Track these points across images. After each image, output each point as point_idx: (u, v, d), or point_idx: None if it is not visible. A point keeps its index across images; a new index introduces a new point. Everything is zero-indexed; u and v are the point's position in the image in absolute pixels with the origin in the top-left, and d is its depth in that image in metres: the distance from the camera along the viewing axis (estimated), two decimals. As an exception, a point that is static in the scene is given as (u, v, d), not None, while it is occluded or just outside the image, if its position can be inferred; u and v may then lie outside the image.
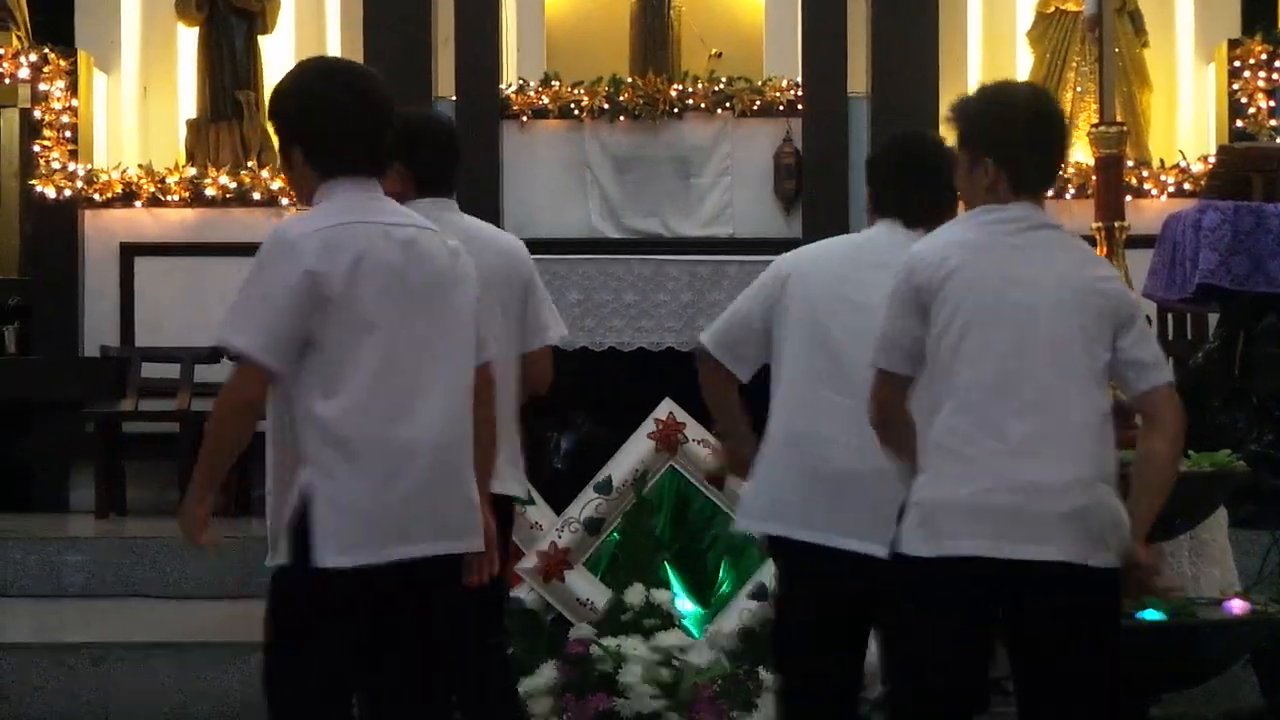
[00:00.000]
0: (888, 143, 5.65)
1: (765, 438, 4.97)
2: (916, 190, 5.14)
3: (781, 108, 10.79)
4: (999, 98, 4.73)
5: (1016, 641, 4.52)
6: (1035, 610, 4.44)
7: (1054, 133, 4.64)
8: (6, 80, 11.23)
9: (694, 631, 6.12)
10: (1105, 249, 6.65)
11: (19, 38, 11.37)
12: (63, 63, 11.28)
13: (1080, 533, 4.34)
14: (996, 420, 4.36)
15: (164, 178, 11.28)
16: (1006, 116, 4.58)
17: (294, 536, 4.45)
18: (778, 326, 5.05)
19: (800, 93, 10.83)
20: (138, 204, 11.24)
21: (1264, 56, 11.10)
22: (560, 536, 6.24)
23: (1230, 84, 11.15)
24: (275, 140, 4.78)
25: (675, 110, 11.00)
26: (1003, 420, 4.36)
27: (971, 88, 12.03)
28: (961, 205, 4.79)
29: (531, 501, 6.29)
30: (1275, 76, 11.11)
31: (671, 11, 11.46)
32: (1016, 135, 4.50)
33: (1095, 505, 4.38)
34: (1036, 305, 4.42)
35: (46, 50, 11.28)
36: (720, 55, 11.26)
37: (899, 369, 4.49)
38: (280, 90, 4.65)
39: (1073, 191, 10.78)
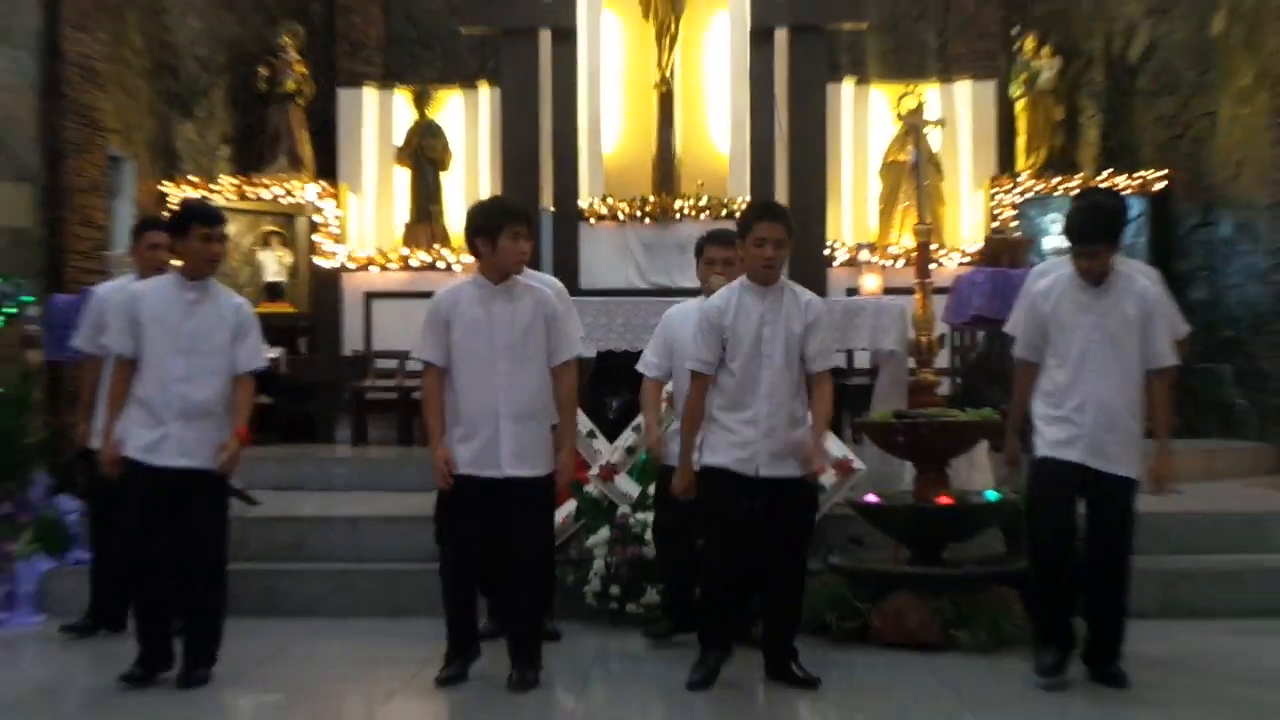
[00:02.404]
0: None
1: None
2: None
3: (738, 214, 10.77)
4: None
5: None
6: None
7: None
8: (301, 200, 11.32)
9: (687, 510, 6.13)
10: (921, 294, 6.75)
11: (308, 174, 11.47)
12: (332, 189, 11.38)
13: None
14: None
15: (389, 255, 11.38)
16: None
17: None
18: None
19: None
20: (374, 269, 11.35)
21: (1009, 187, 11.17)
22: (613, 456, 6.20)
23: (990, 201, 11.20)
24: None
25: (677, 216, 11.06)
26: None
27: (845, 204, 12.13)
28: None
29: (596, 436, 6.37)
30: (1016, 198, 11.16)
31: (675, 159, 11.41)
32: None
33: None
34: None
35: (322, 183, 11.38)
36: (702, 184, 11.26)
37: None
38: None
39: (902, 263, 10.86)
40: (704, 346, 4.63)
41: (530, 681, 4.68)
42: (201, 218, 4.84)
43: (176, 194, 10.51)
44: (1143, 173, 10.72)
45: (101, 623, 5.64)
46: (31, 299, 7.27)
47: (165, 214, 7.53)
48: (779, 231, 4.60)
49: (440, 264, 11.23)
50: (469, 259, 5.23)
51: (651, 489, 5.92)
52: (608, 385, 7.44)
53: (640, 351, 5.47)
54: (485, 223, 4.67)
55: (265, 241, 11.39)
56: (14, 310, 6.99)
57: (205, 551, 4.77)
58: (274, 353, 9.98)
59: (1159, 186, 10.63)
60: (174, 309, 4.76)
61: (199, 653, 4.80)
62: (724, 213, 10.84)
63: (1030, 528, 4.78)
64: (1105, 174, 10.85)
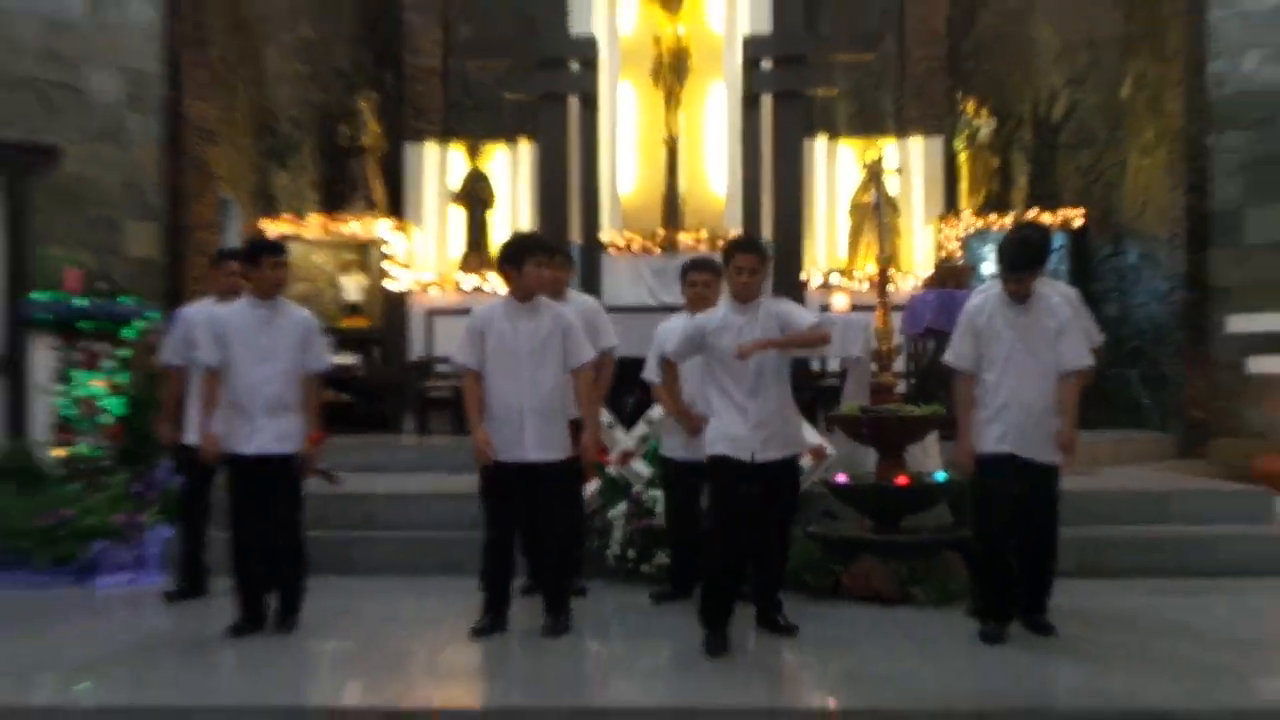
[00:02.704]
0: None
1: None
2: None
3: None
4: None
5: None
6: None
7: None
8: (375, 235, 11.26)
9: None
10: (882, 311, 6.66)
11: (380, 213, 11.44)
12: (400, 225, 11.33)
13: None
14: None
15: (446, 279, 11.32)
16: None
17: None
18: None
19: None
20: (434, 291, 11.27)
21: (954, 223, 11.07)
22: (629, 443, 6.17)
23: (939, 235, 11.10)
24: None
25: (682, 248, 10.99)
26: None
27: (819, 237, 11.99)
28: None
29: (615, 426, 6.31)
30: (960, 233, 11.07)
31: (680, 200, 11.37)
32: None
33: None
34: None
35: (392, 220, 11.33)
36: (703, 222, 11.19)
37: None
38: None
39: (866, 285, 10.76)
40: (681, 343, 4.63)
41: (561, 629, 4.67)
42: (271, 250, 4.85)
43: (274, 230, 10.51)
44: (1064, 212, 10.74)
45: (190, 589, 5.60)
46: (157, 315, 7.32)
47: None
48: (753, 261, 4.56)
49: (488, 287, 11.17)
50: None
51: (660, 471, 5.85)
52: (624, 386, 7.37)
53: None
54: (511, 253, 4.70)
55: (346, 268, 11.38)
56: (143, 325, 7.04)
57: (289, 535, 4.81)
58: (351, 360, 9.98)
59: (1078, 224, 10.68)
60: (250, 324, 4.76)
61: (288, 608, 4.89)
62: (719, 244, 10.75)
63: (978, 518, 4.67)
64: (1033, 212, 10.82)
